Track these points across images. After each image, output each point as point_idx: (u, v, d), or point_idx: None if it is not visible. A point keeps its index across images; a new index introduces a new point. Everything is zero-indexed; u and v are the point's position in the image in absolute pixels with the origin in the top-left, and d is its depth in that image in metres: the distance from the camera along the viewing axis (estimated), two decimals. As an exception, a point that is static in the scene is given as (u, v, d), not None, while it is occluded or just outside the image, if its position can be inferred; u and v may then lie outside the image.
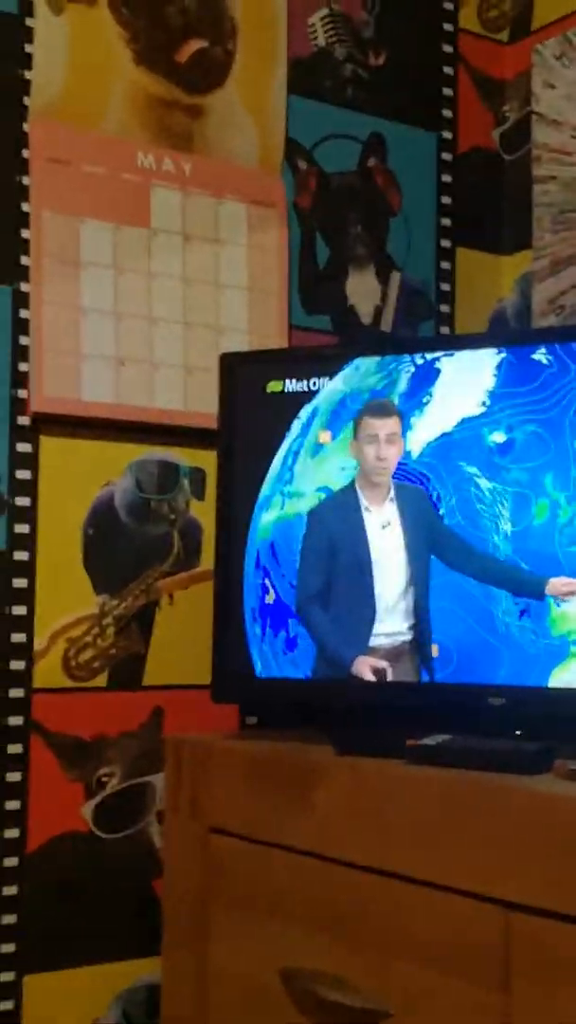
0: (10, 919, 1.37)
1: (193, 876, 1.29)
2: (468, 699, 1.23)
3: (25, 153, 1.41)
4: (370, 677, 1.28)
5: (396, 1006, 1.05)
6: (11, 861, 1.37)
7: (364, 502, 1.30)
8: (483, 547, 1.24)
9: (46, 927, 1.39)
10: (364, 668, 1.28)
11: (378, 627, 1.29)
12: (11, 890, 1.37)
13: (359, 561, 1.29)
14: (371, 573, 1.29)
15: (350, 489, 1.30)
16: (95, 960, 1.42)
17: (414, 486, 1.28)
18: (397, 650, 1.28)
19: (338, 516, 1.30)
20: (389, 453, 1.29)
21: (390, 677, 1.28)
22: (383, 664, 1.28)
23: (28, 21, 1.42)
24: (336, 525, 1.31)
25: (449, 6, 1.75)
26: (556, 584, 1.21)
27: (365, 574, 1.29)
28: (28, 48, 1.42)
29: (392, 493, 1.29)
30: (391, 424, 1.29)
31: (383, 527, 1.29)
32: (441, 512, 1.26)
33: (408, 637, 1.28)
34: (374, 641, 1.29)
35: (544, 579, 1.21)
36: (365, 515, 1.30)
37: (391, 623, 1.28)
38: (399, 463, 1.29)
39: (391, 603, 1.28)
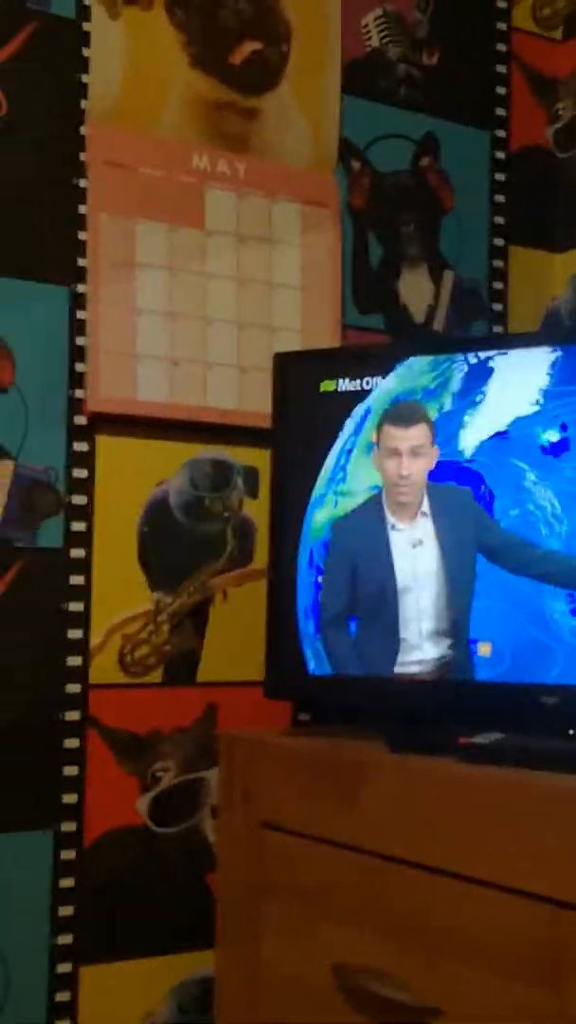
0: (67, 911, 1.39)
1: (246, 871, 1.30)
2: (521, 698, 1.23)
3: (82, 156, 1.44)
4: None
5: (446, 1004, 1.06)
6: (68, 854, 1.39)
7: (390, 519, 1.22)
8: (546, 544, 1.21)
9: (102, 919, 1.41)
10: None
11: (406, 656, 1.25)
12: (68, 882, 1.39)
13: (382, 587, 1.22)
14: (396, 601, 1.22)
15: (375, 504, 1.23)
16: (150, 953, 1.44)
17: (459, 487, 1.23)
18: (435, 672, 1.23)
19: (360, 536, 1.21)
20: (413, 468, 1.20)
21: (444, 674, 1.28)
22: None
23: (85, 26, 1.44)
24: (358, 545, 1.22)
25: (503, 4, 1.75)
26: None
27: (389, 602, 1.22)
28: (85, 52, 1.44)
29: (425, 506, 1.22)
30: (415, 434, 1.20)
31: (414, 546, 1.21)
32: (494, 513, 1.25)
33: (449, 655, 1.23)
34: (400, 669, 1.26)
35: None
36: (391, 535, 1.22)
37: (428, 649, 1.24)
38: (451, 462, 1.28)
39: (427, 628, 1.23)
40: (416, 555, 1.21)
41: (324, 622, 1.31)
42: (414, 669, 1.25)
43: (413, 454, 1.19)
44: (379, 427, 1.25)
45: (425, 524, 1.22)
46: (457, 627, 1.24)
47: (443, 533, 1.21)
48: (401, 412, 1.22)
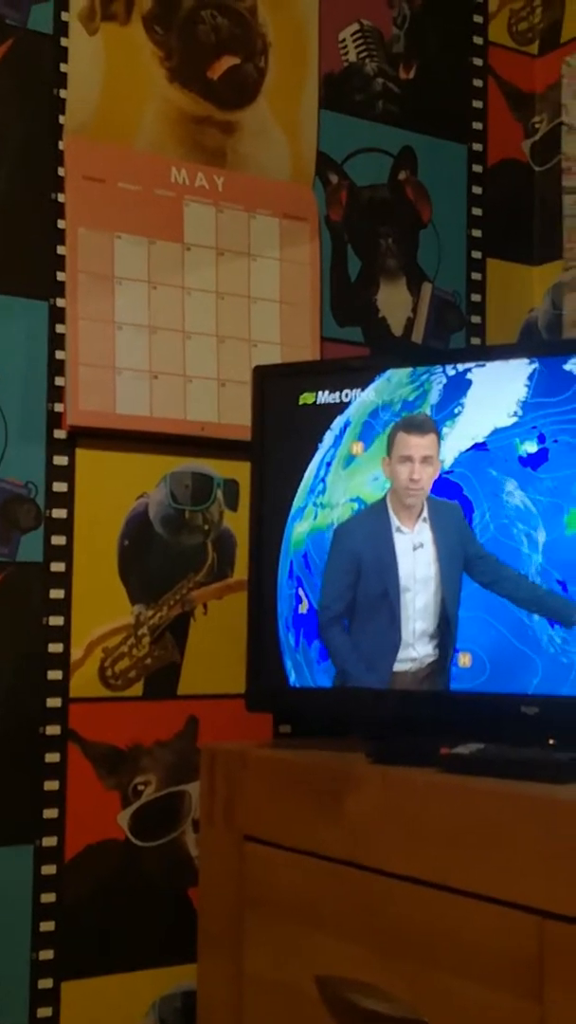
0: (48, 926, 1.39)
1: (228, 884, 1.30)
2: (501, 708, 1.24)
3: (61, 171, 1.44)
4: None
5: (431, 1015, 1.06)
6: (49, 869, 1.39)
7: (395, 522, 1.28)
8: (517, 567, 1.23)
9: (84, 934, 1.41)
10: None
11: (403, 653, 1.28)
12: (49, 897, 1.39)
13: (386, 587, 1.27)
14: (399, 599, 1.27)
15: (381, 508, 1.29)
16: (132, 967, 1.43)
17: (450, 502, 1.26)
18: (424, 671, 1.27)
19: (367, 536, 1.27)
20: (424, 474, 1.26)
21: (425, 685, 1.28)
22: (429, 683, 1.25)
23: (63, 41, 1.45)
24: (364, 546, 1.28)
25: (479, 19, 1.76)
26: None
27: (392, 600, 1.27)
28: (63, 67, 1.45)
29: (425, 512, 1.27)
30: (427, 443, 1.27)
31: (415, 549, 1.27)
32: (475, 529, 1.26)
33: (435, 656, 1.27)
34: (399, 667, 1.28)
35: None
36: (396, 536, 1.27)
37: (419, 648, 1.27)
38: (431, 474, 1.29)
39: (420, 628, 1.27)
40: (416, 557, 1.26)
41: (324, 622, 1.31)
42: (407, 666, 1.27)
43: (424, 462, 1.26)
44: (391, 436, 1.29)
45: (425, 529, 1.27)
46: (445, 631, 1.26)
47: (439, 540, 1.26)
48: (416, 422, 1.27)
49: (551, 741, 1.20)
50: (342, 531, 1.31)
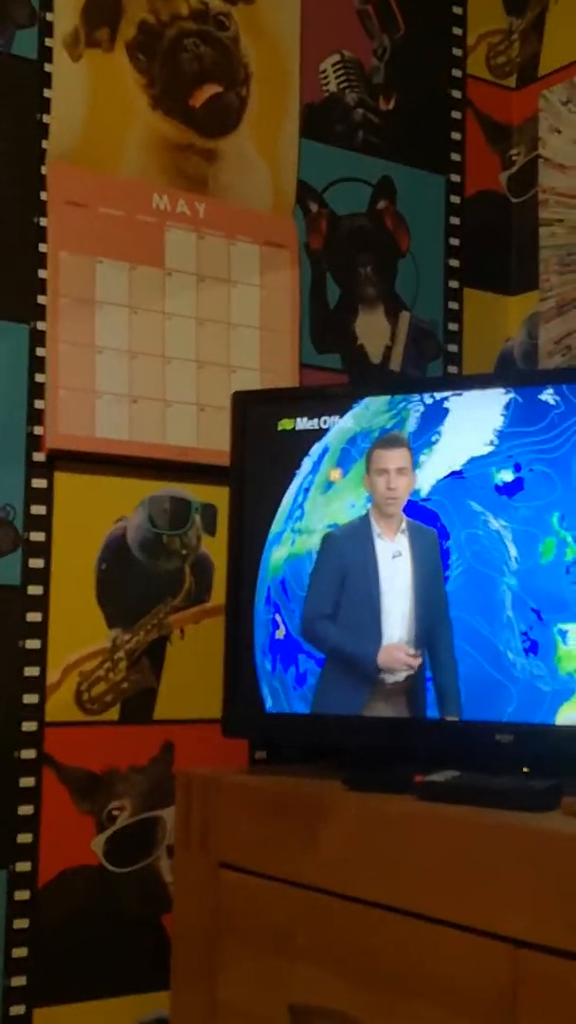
0: (21, 952, 1.38)
1: (202, 911, 1.30)
2: (476, 736, 1.25)
3: (43, 195, 1.44)
4: (406, 662, 1.28)
5: (404, 1042, 1.06)
6: (23, 894, 1.38)
7: (377, 529, 1.32)
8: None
9: (57, 960, 1.40)
10: (395, 655, 1.29)
11: (383, 656, 1.30)
12: (22, 923, 1.38)
13: (369, 590, 1.31)
14: (380, 604, 1.31)
15: (365, 518, 1.32)
16: (105, 994, 1.43)
17: (427, 528, 1.29)
18: (402, 684, 1.29)
19: (351, 543, 1.32)
20: (399, 484, 1.31)
21: (396, 710, 1.29)
22: (412, 650, 1.28)
23: (47, 67, 1.46)
24: (349, 551, 1.33)
25: (458, 52, 1.79)
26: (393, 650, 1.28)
27: (374, 603, 1.30)
28: (47, 93, 1.45)
29: (404, 526, 1.31)
30: (400, 456, 1.32)
31: (394, 557, 1.31)
32: (451, 555, 1.28)
33: (412, 672, 1.29)
34: (380, 675, 1.30)
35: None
36: (377, 542, 1.31)
37: None
38: (409, 500, 1.30)
39: (397, 635, 1.30)
40: (395, 566, 1.31)
41: (308, 619, 1.33)
42: (389, 677, 1.30)
43: (399, 473, 1.32)
44: (369, 454, 1.33)
45: (404, 540, 1.31)
46: (420, 643, 1.29)
47: (416, 555, 1.31)
48: (388, 439, 1.33)
49: (525, 769, 1.20)
50: (328, 539, 1.34)
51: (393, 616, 1.30)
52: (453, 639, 1.27)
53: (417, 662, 1.28)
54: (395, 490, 1.31)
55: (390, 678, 1.29)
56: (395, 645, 1.29)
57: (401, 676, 1.29)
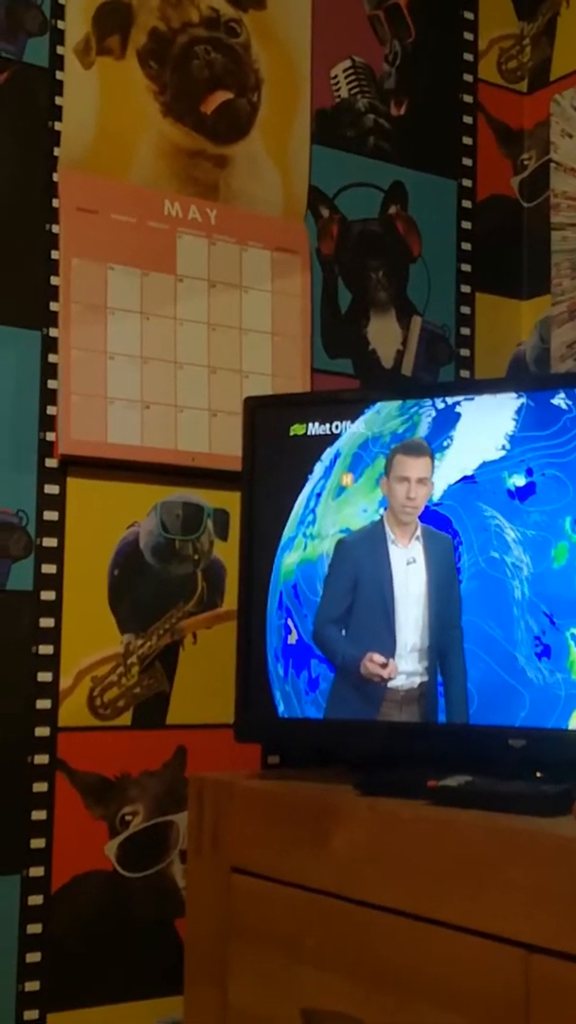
0: (35, 957, 1.38)
1: (215, 915, 1.30)
2: (489, 741, 1.24)
3: (55, 202, 1.45)
4: (377, 672, 1.29)
5: (417, 1047, 1.06)
6: (36, 899, 1.38)
7: (391, 535, 1.31)
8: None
9: (70, 965, 1.40)
10: (367, 665, 1.29)
11: (399, 663, 1.30)
12: (36, 928, 1.38)
13: (382, 596, 1.30)
14: (393, 610, 1.30)
15: (379, 524, 1.32)
16: (118, 998, 1.43)
17: (442, 534, 1.29)
18: (415, 692, 1.29)
19: (366, 548, 1.32)
20: (419, 493, 1.31)
21: (408, 717, 1.29)
22: (385, 658, 1.29)
23: (58, 74, 1.46)
24: (363, 557, 1.32)
25: (469, 57, 1.79)
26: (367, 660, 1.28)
27: (387, 609, 1.30)
28: (58, 100, 1.46)
29: (419, 532, 1.30)
30: (423, 465, 1.31)
31: (408, 563, 1.30)
32: (462, 560, 1.27)
33: (425, 679, 1.28)
34: (392, 682, 1.29)
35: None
36: (391, 548, 1.31)
37: (409, 662, 1.29)
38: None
39: (410, 642, 1.29)
40: (409, 572, 1.30)
41: (321, 621, 1.33)
42: (400, 681, 1.29)
43: (420, 483, 1.31)
44: (390, 458, 1.33)
45: (418, 547, 1.31)
46: (433, 657, 1.28)
47: (431, 562, 1.30)
48: (412, 446, 1.32)
49: (538, 774, 1.20)
50: (342, 544, 1.34)
51: (407, 623, 1.30)
52: (464, 644, 1.26)
53: (388, 671, 1.28)
54: (414, 500, 1.31)
55: (401, 686, 1.29)
56: (370, 656, 1.29)
57: (415, 682, 1.29)
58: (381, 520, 1.32)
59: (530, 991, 0.96)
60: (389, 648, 1.30)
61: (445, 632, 1.28)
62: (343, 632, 1.32)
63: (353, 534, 1.33)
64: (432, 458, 1.30)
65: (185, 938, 1.36)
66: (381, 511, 1.32)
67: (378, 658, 1.29)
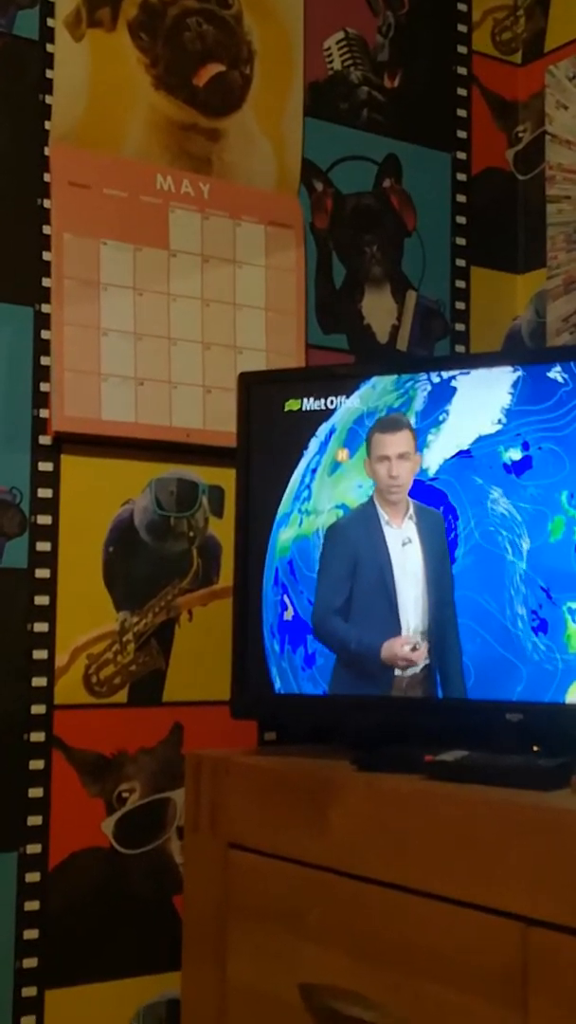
0: (32, 934, 1.38)
1: (212, 891, 1.30)
2: (486, 715, 1.24)
3: (46, 177, 1.44)
4: (407, 656, 1.27)
5: (414, 1022, 1.06)
6: (33, 876, 1.38)
7: (385, 517, 1.30)
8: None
9: (68, 942, 1.40)
10: (396, 649, 1.27)
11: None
12: (33, 905, 1.38)
13: (383, 579, 1.29)
14: (395, 591, 1.29)
15: (370, 504, 1.31)
16: (116, 975, 1.43)
17: (432, 509, 1.28)
18: (419, 674, 1.28)
19: (361, 531, 1.30)
20: (402, 470, 1.29)
21: (410, 695, 1.29)
22: (415, 640, 1.27)
23: (48, 47, 1.45)
24: (360, 540, 1.31)
25: (463, 29, 1.77)
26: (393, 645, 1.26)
27: (389, 592, 1.29)
28: (49, 73, 1.45)
29: (411, 511, 1.30)
30: (402, 440, 1.29)
31: (403, 544, 1.29)
32: (459, 536, 1.26)
33: (428, 659, 1.28)
34: (394, 670, 1.29)
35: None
36: (387, 530, 1.30)
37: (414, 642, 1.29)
38: (416, 480, 1.30)
39: (413, 624, 1.28)
40: (406, 553, 1.29)
41: (321, 614, 1.32)
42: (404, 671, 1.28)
43: (401, 458, 1.29)
44: (368, 438, 1.31)
45: (411, 527, 1.29)
46: (436, 634, 1.27)
47: (425, 540, 1.29)
48: (388, 422, 1.30)
49: (535, 748, 1.20)
50: (335, 529, 1.32)
51: (407, 604, 1.29)
52: (458, 619, 1.26)
53: (418, 655, 1.27)
54: (397, 477, 1.29)
55: (408, 672, 1.28)
56: (394, 639, 1.27)
57: (419, 669, 1.28)
58: (372, 501, 1.31)
59: (528, 964, 0.96)
60: (394, 632, 1.29)
61: (441, 609, 1.27)
62: (345, 621, 1.31)
63: (345, 517, 1.32)
64: (412, 430, 1.29)
65: (183, 914, 1.37)
66: (372, 490, 1.31)
67: (406, 642, 1.26)
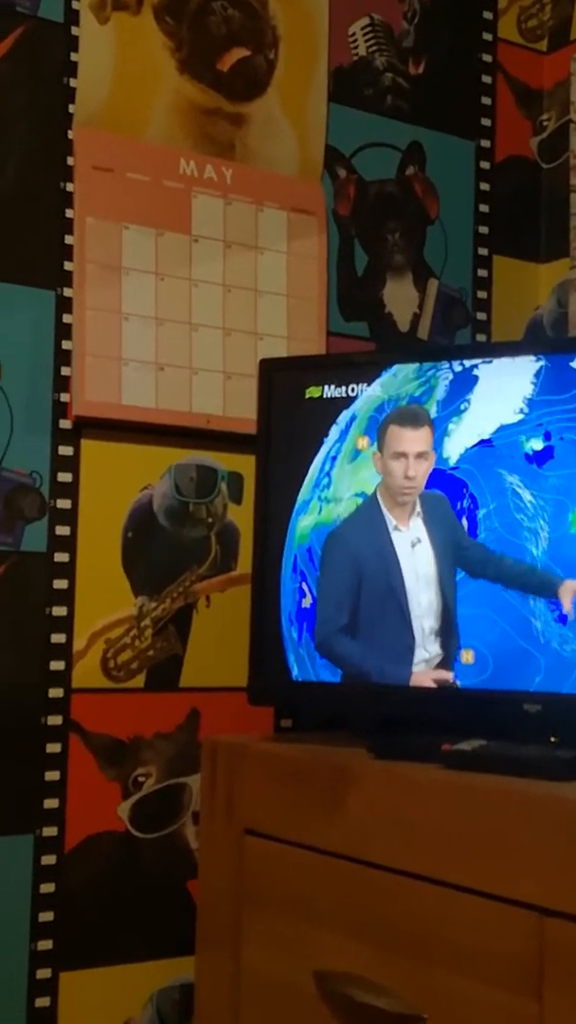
0: (47, 916, 1.39)
1: (227, 877, 1.30)
2: (504, 705, 1.24)
3: (70, 160, 1.43)
4: (438, 679, 1.24)
5: (429, 1011, 1.06)
6: (49, 859, 1.39)
7: (391, 520, 1.26)
8: (500, 549, 1.23)
9: (83, 925, 1.41)
10: (423, 681, 1.25)
11: (418, 655, 1.27)
12: (49, 887, 1.39)
13: (391, 588, 1.25)
14: (406, 599, 1.25)
15: (373, 506, 1.26)
16: (130, 959, 1.44)
17: (437, 492, 1.26)
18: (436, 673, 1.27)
19: (364, 538, 1.25)
20: (419, 471, 1.23)
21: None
22: (446, 675, 1.24)
23: (73, 30, 1.44)
24: (363, 548, 1.26)
25: (488, 16, 1.76)
26: (569, 585, 1.18)
27: (399, 601, 1.25)
28: (73, 56, 1.44)
29: (419, 507, 1.26)
30: (422, 437, 1.24)
31: (412, 545, 1.25)
32: (479, 525, 1.25)
33: (442, 655, 1.26)
34: (416, 669, 1.27)
35: (560, 580, 1.19)
36: (394, 535, 1.26)
37: (429, 647, 1.26)
38: (436, 469, 1.28)
39: (428, 626, 1.26)
40: (415, 554, 1.23)
41: (326, 634, 1.30)
42: (422, 668, 1.26)
43: (419, 457, 1.20)
44: (382, 429, 1.25)
45: (419, 525, 1.24)
46: (448, 627, 1.26)
47: (434, 535, 1.25)
48: (409, 414, 1.23)
49: (553, 739, 1.20)
50: (334, 538, 1.29)
51: (422, 610, 1.25)
52: (477, 609, 1.25)
53: (448, 676, 1.24)
54: (414, 479, 1.21)
55: (423, 671, 1.26)
56: (423, 672, 1.22)
57: (436, 661, 1.26)
58: (375, 501, 1.25)
59: (544, 954, 0.96)
60: (408, 642, 1.26)
61: (455, 601, 1.26)
62: (355, 638, 1.27)
63: (345, 524, 1.27)
64: (432, 426, 1.22)
65: (197, 900, 1.37)
66: (375, 487, 1.26)
67: (436, 676, 1.20)
